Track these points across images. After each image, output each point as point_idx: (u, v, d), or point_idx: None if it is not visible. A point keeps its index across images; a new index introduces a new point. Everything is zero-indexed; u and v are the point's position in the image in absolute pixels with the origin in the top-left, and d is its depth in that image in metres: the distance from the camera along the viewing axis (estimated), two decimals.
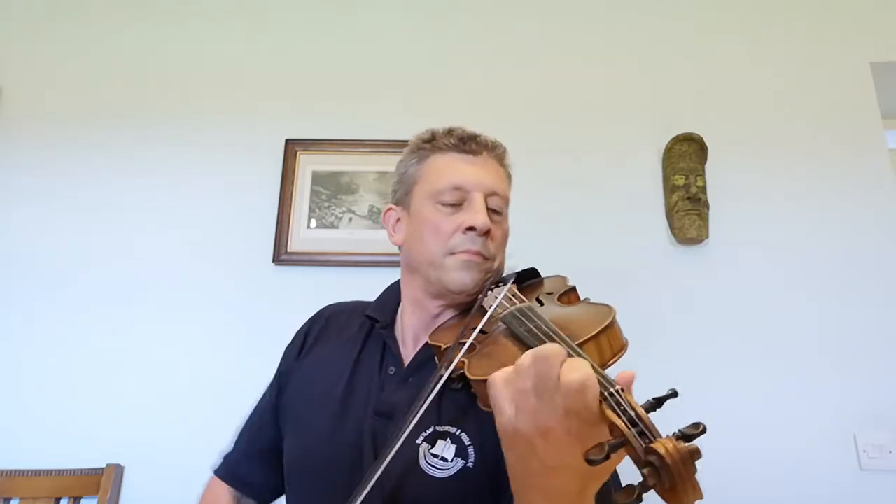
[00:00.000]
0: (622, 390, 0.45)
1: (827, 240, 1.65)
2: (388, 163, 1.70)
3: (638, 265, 1.67)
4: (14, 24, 2.00)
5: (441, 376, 0.58)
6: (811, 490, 1.45)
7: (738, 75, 1.83)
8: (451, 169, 0.79)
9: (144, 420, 1.58)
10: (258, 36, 1.96)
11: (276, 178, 1.78)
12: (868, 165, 1.71)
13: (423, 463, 0.70)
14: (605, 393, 0.44)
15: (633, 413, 0.42)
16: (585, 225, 1.71)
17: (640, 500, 0.39)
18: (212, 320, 1.68)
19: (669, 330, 1.61)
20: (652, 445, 0.39)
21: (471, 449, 0.70)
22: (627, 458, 0.43)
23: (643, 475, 0.39)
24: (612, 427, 0.43)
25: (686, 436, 0.40)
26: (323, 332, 0.92)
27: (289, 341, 0.96)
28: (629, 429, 0.42)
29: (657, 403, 0.44)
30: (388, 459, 0.57)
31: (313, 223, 1.75)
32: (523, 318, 0.60)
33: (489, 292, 0.77)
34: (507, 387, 0.49)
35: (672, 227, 1.68)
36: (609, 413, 0.43)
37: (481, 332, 0.66)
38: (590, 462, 0.41)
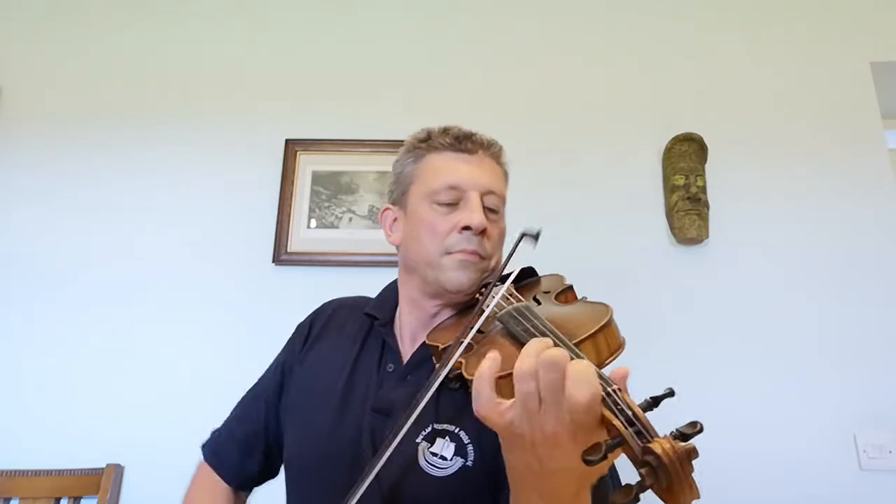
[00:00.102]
0: (619, 390, 0.45)
1: (827, 240, 1.65)
2: (388, 163, 1.67)
3: (638, 265, 1.67)
4: (14, 24, 2.00)
5: (439, 375, 0.58)
6: (811, 490, 1.45)
7: (738, 75, 1.83)
8: (447, 168, 0.79)
9: (144, 420, 1.58)
10: (258, 36, 1.96)
11: (276, 178, 1.78)
12: (868, 165, 1.71)
13: (422, 461, 0.70)
14: (604, 393, 0.44)
15: (630, 413, 0.42)
16: (585, 225, 1.71)
17: (638, 499, 0.39)
18: (212, 320, 1.68)
19: (669, 330, 1.60)
20: (649, 445, 0.39)
21: (470, 447, 0.70)
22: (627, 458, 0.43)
23: (640, 475, 0.39)
24: (610, 427, 0.43)
25: (683, 435, 0.40)
26: (325, 327, 0.92)
27: (289, 335, 0.96)
28: (626, 428, 0.42)
29: (654, 403, 0.44)
30: (384, 458, 0.57)
31: (313, 223, 1.75)
32: (520, 318, 0.60)
33: (485, 290, 0.77)
34: (503, 405, 0.49)
35: (672, 227, 1.67)
36: (607, 413, 0.43)
37: (479, 331, 0.66)
38: (587, 462, 0.41)
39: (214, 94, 1.90)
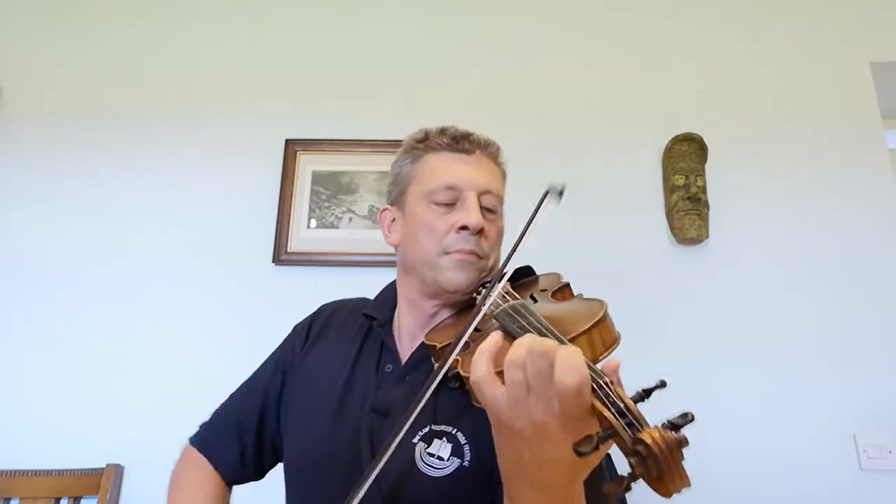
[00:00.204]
0: (611, 382, 0.45)
1: (827, 240, 1.65)
2: (388, 163, 1.67)
3: (638, 265, 1.67)
4: (14, 24, 2.00)
5: (436, 376, 0.58)
6: (811, 490, 1.45)
7: (738, 75, 1.83)
8: (445, 168, 0.80)
9: (144, 420, 1.58)
10: (258, 36, 1.96)
11: (276, 178, 1.78)
12: (868, 165, 1.71)
13: (419, 462, 0.70)
14: (595, 385, 0.45)
15: (621, 404, 0.43)
16: (585, 225, 1.71)
17: (629, 489, 0.39)
18: (212, 320, 1.68)
19: (669, 330, 1.60)
20: (639, 435, 0.40)
21: (466, 448, 0.70)
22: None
23: (631, 464, 0.40)
24: (602, 418, 0.44)
25: (674, 425, 0.40)
26: (325, 328, 0.92)
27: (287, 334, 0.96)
28: (618, 420, 0.42)
29: (646, 394, 0.44)
30: (383, 461, 0.57)
31: (313, 223, 1.75)
32: (516, 315, 0.60)
33: (484, 290, 0.77)
34: (497, 380, 0.49)
35: (672, 227, 1.68)
36: (598, 405, 0.44)
37: (476, 330, 0.66)
38: (579, 454, 0.41)
39: (214, 94, 1.90)
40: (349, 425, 0.77)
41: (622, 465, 0.51)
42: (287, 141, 1.81)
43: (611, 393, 0.44)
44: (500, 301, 0.66)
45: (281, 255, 1.70)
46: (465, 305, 0.80)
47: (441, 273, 0.77)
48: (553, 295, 0.73)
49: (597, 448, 0.41)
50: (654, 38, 1.89)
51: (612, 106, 1.83)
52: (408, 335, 0.84)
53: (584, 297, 0.70)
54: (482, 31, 1.94)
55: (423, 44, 1.93)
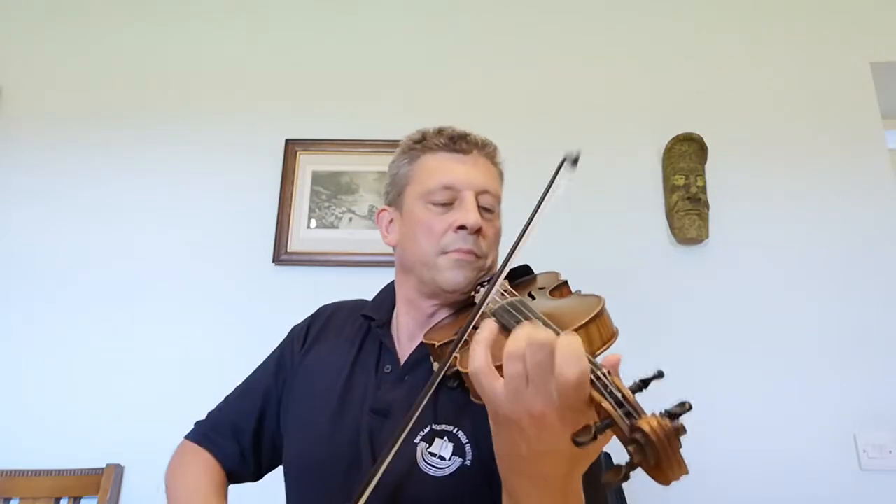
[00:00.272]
0: (609, 373, 0.45)
1: (827, 240, 1.65)
2: (388, 163, 1.70)
3: (638, 265, 1.67)
4: (14, 24, 2.00)
5: (436, 376, 0.58)
6: (811, 490, 1.45)
7: (738, 75, 1.83)
8: (442, 168, 0.80)
9: (144, 420, 1.58)
10: (258, 36, 1.96)
11: (276, 178, 1.78)
12: (868, 165, 1.71)
13: (421, 462, 0.70)
14: (593, 377, 0.45)
15: (619, 394, 0.43)
16: (585, 225, 1.71)
17: (627, 478, 0.39)
18: (212, 320, 1.68)
19: (669, 330, 1.61)
20: (637, 423, 0.40)
21: (468, 447, 0.70)
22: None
23: (629, 453, 0.40)
24: (599, 409, 0.44)
25: (671, 414, 0.40)
26: (323, 329, 0.92)
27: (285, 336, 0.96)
28: (616, 410, 0.42)
29: (643, 385, 0.44)
30: (384, 465, 0.57)
31: (313, 223, 1.75)
32: (514, 311, 0.61)
33: (481, 289, 0.77)
34: (495, 371, 0.49)
35: (672, 227, 1.68)
36: (596, 395, 0.44)
37: (474, 327, 0.66)
38: (577, 444, 0.41)
39: (214, 94, 1.90)
40: (349, 426, 0.77)
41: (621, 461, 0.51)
42: (287, 141, 1.81)
43: (608, 384, 0.44)
44: (497, 299, 0.66)
45: (281, 255, 1.70)
46: (463, 305, 0.80)
47: (439, 273, 0.77)
48: (551, 292, 0.73)
49: (594, 438, 0.41)
50: (654, 38, 1.89)
51: (612, 106, 1.83)
52: (406, 335, 0.84)
53: (583, 293, 0.70)
54: (482, 31, 1.94)
55: (423, 44, 1.93)
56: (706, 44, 1.88)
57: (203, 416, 0.95)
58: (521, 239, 0.64)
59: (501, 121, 1.75)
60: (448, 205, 0.78)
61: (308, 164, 1.80)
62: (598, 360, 0.49)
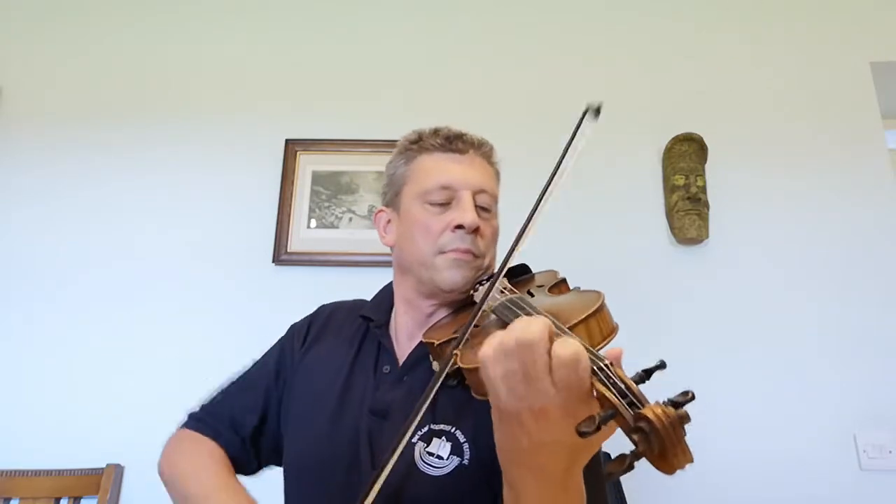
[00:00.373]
0: (611, 364, 0.45)
1: (827, 240, 1.65)
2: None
3: (638, 265, 1.67)
4: (14, 24, 2.00)
5: (437, 377, 0.58)
6: (811, 490, 1.45)
7: (738, 75, 1.83)
8: (439, 168, 0.80)
9: (144, 420, 1.58)
10: (258, 36, 1.96)
11: (276, 178, 1.78)
12: (868, 165, 1.71)
13: (419, 462, 0.70)
14: (595, 368, 0.45)
15: (622, 385, 0.43)
16: (585, 225, 1.71)
17: (632, 468, 0.39)
18: (212, 320, 1.68)
19: (669, 330, 1.61)
20: (641, 412, 0.39)
21: (466, 446, 0.70)
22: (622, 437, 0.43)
23: (633, 441, 0.39)
24: (603, 400, 0.44)
25: (675, 403, 0.40)
26: (323, 330, 0.92)
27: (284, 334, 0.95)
28: (619, 400, 0.42)
29: (646, 375, 0.44)
30: (387, 469, 0.56)
31: (313, 223, 1.75)
32: (514, 307, 0.61)
33: (480, 288, 0.77)
34: (498, 366, 0.49)
35: (672, 227, 1.68)
36: (599, 386, 0.44)
37: (475, 325, 0.66)
38: (581, 434, 0.41)
39: (214, 94, 1.90)
40: (348, 426, 0.77)
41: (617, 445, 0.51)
42: (287, 141, 1.81)
43: (611, 374, 0.44)
44: (497, 296, 0.66)
45: (281, 255, 1.70)
46: (462, 304, 0.80)
47: (437, 272, 0.77)
48: (550, 290, 0.73)
49: (598, 428, 0.41)
50: (654, 38, 1.89)
51: (612, 106, 1.80)
52: (405, 335, 0.84)
53: (582, 289, 0.71)
54: (482, 31, 1.94)
55: (423, 44, 1.93)
56: (706, 44, 1.88)
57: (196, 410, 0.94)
58: (532, 216, 0.64)
59: (501, 121, 1.75)
60: (445, 205, 0.78)
61: (308, 164, 1.80)
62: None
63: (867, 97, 1.77)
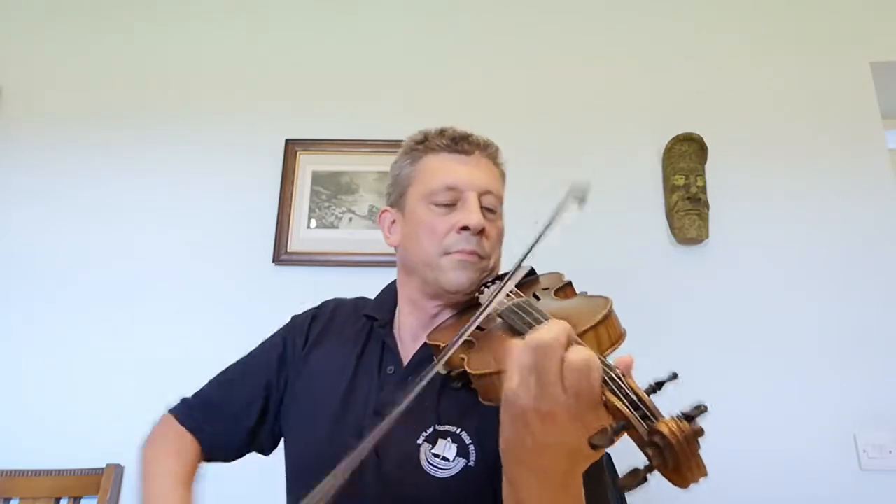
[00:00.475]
0: (623, 374, 0.45)
1: (827, 240, 1.65)
2: (389, 163, 1.67)
3: (638, 265, 1.67)
4: (14, 24, 2.00)
5: (434, 368, 0.58)
6: (811, 490, 1.45)
7: (738, 75, 1.83)
8: (444, 169, 0.80)
9: (145, 420, 1.58)
10: (258, 36, 1.96)
11: (276, 178, 1.78)
12: (868, 165, 1.71)
13: (424, 463, 0.70)
14: (606, 377, 0.45)
15: (634, 396, 0.43)
16: (585, 225, 1.71)
17: (645, 481, 0.39)
18: (212, 320, 1.67)
19: (669, 330, 1.60)
20: (655, 426, 0.39)
21: (472, 448, 0.70)
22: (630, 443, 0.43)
23: (647, 456, 0.39)
24: (615, 411, 0.43)
25: (688, 416, 0.40)
26: (326, 328, 0.91)
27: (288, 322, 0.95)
28: (632, 412, 0.42)
29: (658, 387, 0.44)
30: (371, 443, 0.55)
31: (313, 223, 1.75)
32: (521, 312, 0.60)
33: (486, 290, 0.77)
34: (519, 361, 0.49)
35: (672, 227, 1.67)
36: (611, 397, 0.44)
37: (480, 328, 0.66)
38: (594, 447, 0.41)
39: (214, 94, 1.90)
40: (352, 426, 0.77)
41: (621, 463, 0.51)
42: (287, 141, 1.81)
43: (623, 385, 0.44)
44: (503, 300, 0.66)
45: (281, 255, 1.70)
46: (466, 306, 0.80)
47: (442, 273, 0.77)
48: (556, 293, 0.73)
49: (611, 441, 0.41)
50: (654, 38, 1.89)
51: (612, 106, 1.83)
52: (409, 335, 0.84)
53: (589, 294, 0.70)
54: (482, 31, 1.94)
55: (423, 44, 1.93)
56: (706, 44, 1.87)
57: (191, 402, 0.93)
58: (522, 260, 0.64)
59: (501, 121, 1.75)
60: (451, 206, 0.78)
61: (308, 164, 1.80)
62: (610, 361, 0.48)
63: (867, 97, 1.77)
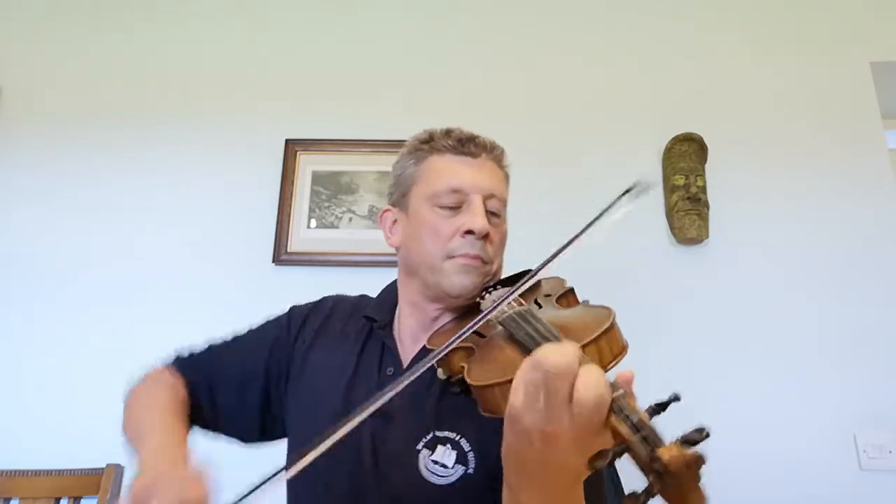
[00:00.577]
0: (625, 395, 0.44)
1: (827, 240, 1.65)
2: (389, 163, 1.67)
3: (638, 265, 1.67)
4: (14, 24, 2.00)
5: (431, 360, 0.57)
6: (811, 490, 1.45)
7: (738, 75, 1.83)
8: (450, 171, 0.79)
9: None
10: (258, 36, 1.96)
11: (276, 178, 1.78)
12: (868, 165, 1.71)
13: (423, 470, 0.69)
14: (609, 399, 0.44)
15: (636, 419, 0.42)
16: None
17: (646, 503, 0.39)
18: (212, 320, 1.66)
19: (669, 330, 1.60)
20: (656, 453, 0.39)
21: (471, 455, 0.70)
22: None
23: (648, 481, 0.39)
24: (615, 433, 0.43)
25: (690, 441, 0.39)
26: (324, 325, 0.91)
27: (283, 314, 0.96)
28: (633, 434, 0.41)
29: (660, 408, 0.43)
30: (355, 422, 0.55)
31: (313, 223, 1.75)
32: (522, 322, 0.59)
33: (487, 295, 0.77)
34: (524, 379, 0.48)
35: (672, 227, 1.67)
36: (613, 419, 0.43)
37: (480, 335, 0.65)
38: (593, 468, 0.41)
39: (214, 94, 1.90)
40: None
41: (626, 471, 0.51)
42: (287, 141, 1.81)
43: (625, 407, 0.43)
44: (504, 307, 0.65)
45: (281, 255, 1.70)
46: (467, 310, 0.80)
47: (445, 277, 0.76)
48: (558, 300, 0.71)
49: (611, 464, 0.41)
50: (654, 38, 1.89)
51: (612, 106, 1.83)
52: (409, 336, 0.83)
53: (591, 303, 0.69)
54: (482, 31, 1.94)
55: (423, 44, 1.93)
56: (706, 44, 1.87)
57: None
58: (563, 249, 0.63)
59: (501, 121, 1.75)
60: (455, 208, 0.77)
61: (308, 164, 1.80)
62: (610, 375, 0.47)
63: (867, 97, 1.77)
